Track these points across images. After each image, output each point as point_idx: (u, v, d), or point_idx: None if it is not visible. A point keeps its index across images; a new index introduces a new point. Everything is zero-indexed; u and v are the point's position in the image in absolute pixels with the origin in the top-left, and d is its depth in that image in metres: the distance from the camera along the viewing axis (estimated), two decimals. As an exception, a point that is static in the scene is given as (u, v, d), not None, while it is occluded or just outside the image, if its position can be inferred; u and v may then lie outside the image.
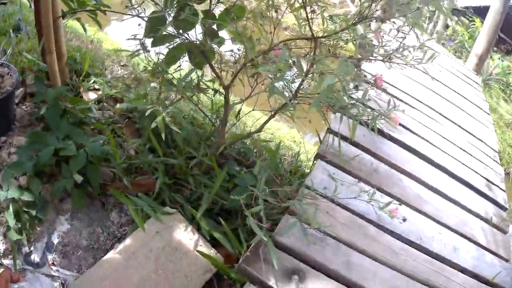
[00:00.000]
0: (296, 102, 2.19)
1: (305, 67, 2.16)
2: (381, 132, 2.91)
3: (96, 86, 3.32)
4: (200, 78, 2.41)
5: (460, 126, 4.07)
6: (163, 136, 2.07)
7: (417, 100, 4.09)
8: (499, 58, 10.66)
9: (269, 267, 1.99)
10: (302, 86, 2.26)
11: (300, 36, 2.26)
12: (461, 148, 3.69)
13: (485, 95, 5.75)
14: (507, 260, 2.83)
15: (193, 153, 2.66)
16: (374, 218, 2.45)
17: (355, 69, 1.95)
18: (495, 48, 11.20)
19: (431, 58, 2.26)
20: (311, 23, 2.13)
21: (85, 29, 3.31)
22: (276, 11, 2.33)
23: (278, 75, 1.94)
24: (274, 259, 1.98)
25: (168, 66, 2.54)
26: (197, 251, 2.34)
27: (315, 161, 2.63)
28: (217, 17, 2.45)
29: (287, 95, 2.16)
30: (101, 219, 2.65)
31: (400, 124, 3.33)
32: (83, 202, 2.60)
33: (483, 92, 5.81)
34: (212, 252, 2.41)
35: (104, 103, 3.22)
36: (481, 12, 9.56)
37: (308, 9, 2.11)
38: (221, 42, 2.55)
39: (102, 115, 3.09)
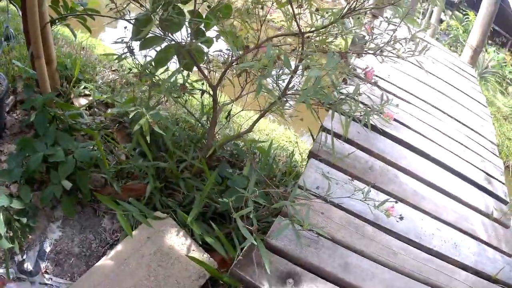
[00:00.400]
0: (286, 100, 2.08)
1: (293, 64, 2.07)
2: (375, 128, 2.80)
3: (87, 92, 3.22)
4: (185, 78, 2.30)
5: (456, 120, 3.94)
6: (148, 138, 1.97)
7: (412, 94, 3.96)
8: (494, 51, 10.51)
9: (262, 271, 1.88)
10: (292, 84, 2.16)
11: (287, 32, 2.16)
12: (458, 142, 3.56)
13: (481, 88, 5.63)
14: (510, 255, 2.70)
15: (183, 156, 2.55)
16: (371, 218, 2.33)
17: (343, 62, 1.83)
18: (490, 42, 11.09)
19: (424, 49, 2.16)
20: (297, 19, 2.03)
21: (74, 35, 3.24)
22: (262, 8, 2.23)
23: (264, 72, 1.85)
24: (266, 263, 1.87)
25: (157, 69, 2.46)
26: (188, 256, 2.23)
27: (308, 160, 2.51)
28: (204, 17, 2.36)
29: (277, 93, 2.06)
30: (93, 225, 2.56)
31: (395, 120, 3.21)
32: (73, 209, 2.52)
33: (479, 85, 5.69)
34: (205, 257, 2.30)
35: (95, 109, 3.12)
36: (475, 5, 9.41)
37: (294, 4, 2.01)
38: (209, 42, 2.46)
39: (93, 121, 3.00)
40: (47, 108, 2.72)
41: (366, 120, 2.00)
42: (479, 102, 4.71)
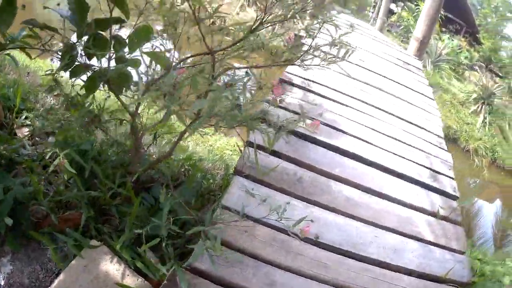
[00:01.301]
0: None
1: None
2: (304, 137, 2.69)
3: (28, 122, 3.11)
4: (100, 109, 2.20)
5: (399, 118, 3.81)
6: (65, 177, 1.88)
7: (350, 96, 3.81)
8: (448, 38, 10.41)
9: (187, 295, 1.82)
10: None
11: (199, 52, 2.09)
12: (401, 141, 3.43)
13: (436, 77, 5.54)
14: (462, 253, 2.59)
15: (109, 184, 2.46)
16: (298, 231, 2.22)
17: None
18: (443, 29, 11.01)
19: (346, 54, 2.08)
20: (205, 38, 1.95)
21: (16, 63, 3.12)
22: (175, 29, 2.14)
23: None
24: (184, 286, 1.80)
25: (88, 95, 2.37)
26: (117, 284, 2.14)
27: (233, 178, 2.41)
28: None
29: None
30: (39, 256, 2.50)
31: (329, 126, 3.11)
32: (18, 243, 2.46)
33: (434, 74, 5.61)
34: (139, 281, 2.23)
35: (37, 138, 3.01)
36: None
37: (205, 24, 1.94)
38: (135, 63, 2.38)
39: (34, 150, 2.89)
40: (-14, 144, 2.63)
41: (272, 140, 1.92)
42: (424, 95, 4.60)
